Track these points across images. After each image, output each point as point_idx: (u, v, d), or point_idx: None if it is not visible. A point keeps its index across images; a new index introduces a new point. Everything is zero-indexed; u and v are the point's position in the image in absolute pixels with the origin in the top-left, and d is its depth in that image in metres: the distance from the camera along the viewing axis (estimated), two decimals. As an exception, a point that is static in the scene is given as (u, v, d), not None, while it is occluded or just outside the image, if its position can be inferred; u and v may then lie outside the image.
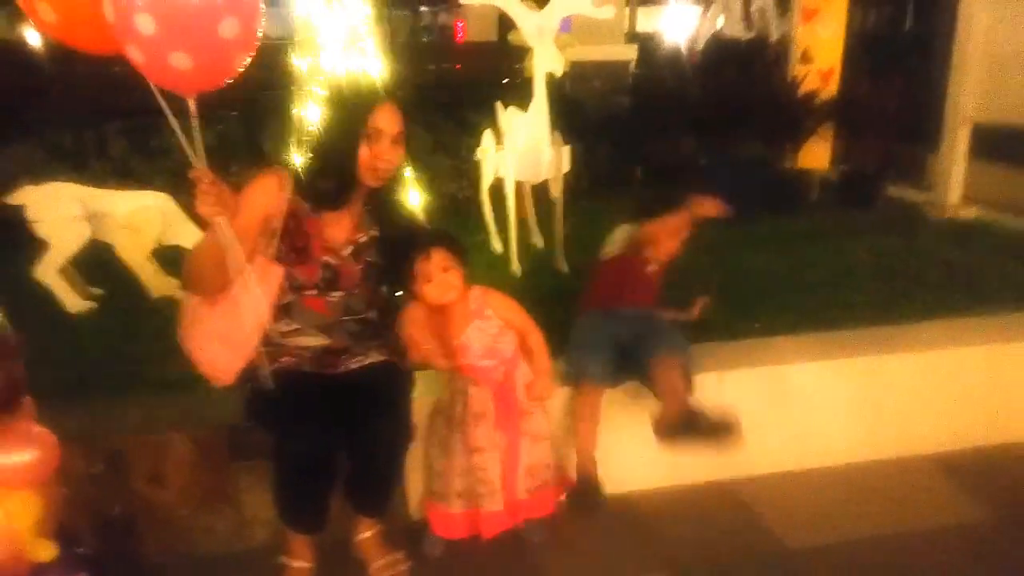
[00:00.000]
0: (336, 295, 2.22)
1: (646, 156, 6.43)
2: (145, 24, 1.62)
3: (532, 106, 3.95)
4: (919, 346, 3.01)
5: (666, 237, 2.74)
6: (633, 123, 6.43)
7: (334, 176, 2.13)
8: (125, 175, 5.01)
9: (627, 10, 9.99)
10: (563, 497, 2.58)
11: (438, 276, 2.25)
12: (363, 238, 2.26)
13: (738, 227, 3.10)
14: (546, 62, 3.87)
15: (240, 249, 1.96)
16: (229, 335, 2.13)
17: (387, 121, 2.12)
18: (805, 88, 6.24)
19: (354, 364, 2.24)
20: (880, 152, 6.10)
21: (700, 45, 7.35)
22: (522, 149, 4.01)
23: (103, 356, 3.06)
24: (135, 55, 1.70)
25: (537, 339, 2.44)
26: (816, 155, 6.32)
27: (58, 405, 2.04)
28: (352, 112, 2.09)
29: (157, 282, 3.67)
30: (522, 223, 4.35)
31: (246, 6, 1.75)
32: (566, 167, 4.19)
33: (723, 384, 2.75)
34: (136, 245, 3.65)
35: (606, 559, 2.47)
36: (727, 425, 2.44)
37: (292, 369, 2.17)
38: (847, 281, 3.95)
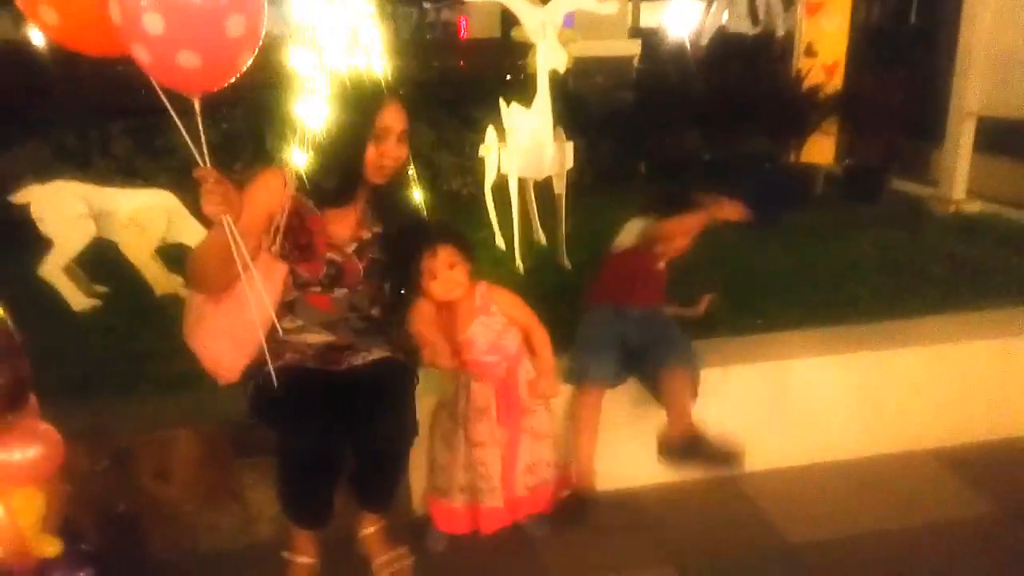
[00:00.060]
0: (340, 292, 2.23)
1: (649, 152, 6.43)
2: (153, 23, 1.63)
3: (535, 102, 3.95)
4: (923, 341, 3.01)
5: (681, 235, 2.72)
6: (636, 119, 6.42)
7: (340, 174, 2.14)
8: (129, 173, 5.03)
9: (630, 6, 9.96)
10: (556, 505, 2.56)
11: (444, 273, 2.26)
12: (367, 235, 2.27)
13: (755, 231, 3.06)
14: (549, 58, 3.86)
15: (244, 247, 1.97)
16: (233, 332, 2.14)
17: (394, 119, 2.13)
18: (809, 82, 6.22)
19: (358, 361, 2.24)
20: (884, 146, 6.09)
21: (705, 40, 7.32)
22: (525, 145, 4.01)
23: (108, 354, 3.08)
24: (142, 55, 1.71)
25: (541, 337, 2.44)
26: (820, 150, 6.31)
27: (63, 402, 2.06)
28: (360, 111, 2.10)
29: (161, 280, 3.69)
30: (525, 220, 4.35)
31: (252, 4, 1.76)
32: (569, 163, 4.19)
33: (727, 379, 2.75)
34: (140, 243, 3.67)
35: (608, 554, 2.47)
36: (729, 454, 2.49)
37: (296, 366, 2.18)
38: (851, 276, 3.94)
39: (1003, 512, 2.66)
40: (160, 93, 1.80)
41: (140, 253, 3.68)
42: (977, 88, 5.50)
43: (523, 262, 4.06)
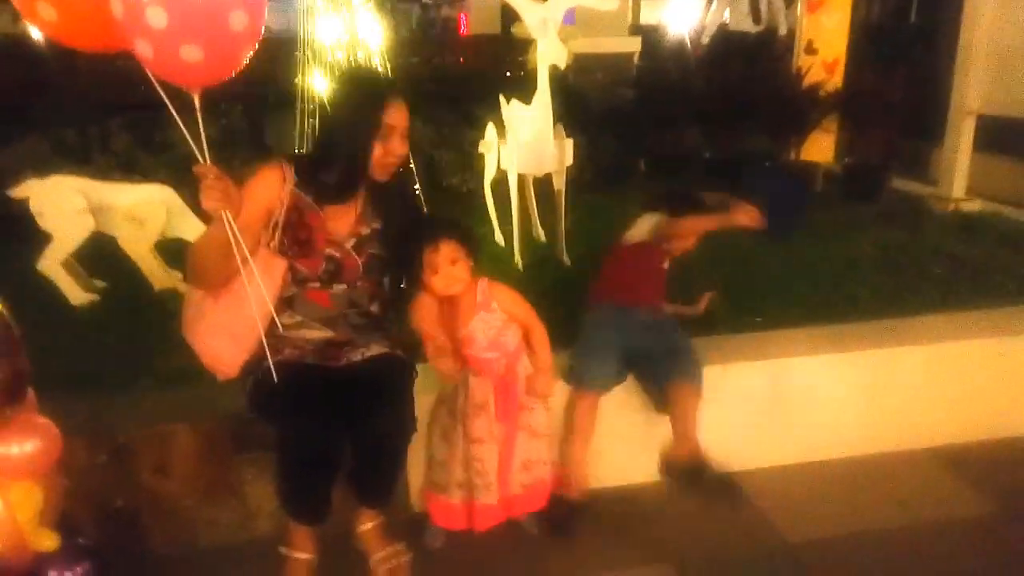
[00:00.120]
0: (339, 288, 2.23)
1: (649, 149, 6.43)
2: (157, 17, 1.63)
3: (535, 99, 3.94)
4: (923, 339, 3.00)
5: (693, 235, 2.71)
6: (636, 116, 6.42)
7: (347, 171, 2.14)
8: (128, 168, 5.02)
9: (630, 3, 9.96)
10: (547, 510, 2.55)
11: (445, 268, 2.25)
12: (365, 231, 2.27)
13: (769, 240, 3.02)
14: (549, 55, 3.86)
15: (243, 242, 1.97)
16: (232, 328, 2.14)
17: (398, 117, 2.14)
18: (810, 80, 6.22)
19: (357, 357, 2.24)
20: (884, 145, 6.08)
21: (707, 38, 7.31)
22: (525, 142, 4.00)
23: (106, 348, 3.07)
24: (144, 50, 1.70)
25: (540, 334, 2.44)
26: (820, 148, 6.31)
27: (62, 397, 2.05)
28: (369, 110, 2.11)
29: (160, 275, 3.68)
30: (525, 216, 4.34)
31: (253, -1, 1.76)
32: (569, 160, 4.19)
33: (726, 377, 2.74)
34: (139, 238, 3.66)
35: (607, 551, 2.47)
36: (730, 491, 2.53)
37: (295, 361, 2.18)
38: (851, 274, 3.94)
39: (1003, 511, 2.66)
40: (159, 89, 1.79)
41: (139, 248, 3.67)
42: (977, 86, 5.49)
43: (522, 259, 4.06)
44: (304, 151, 2.24)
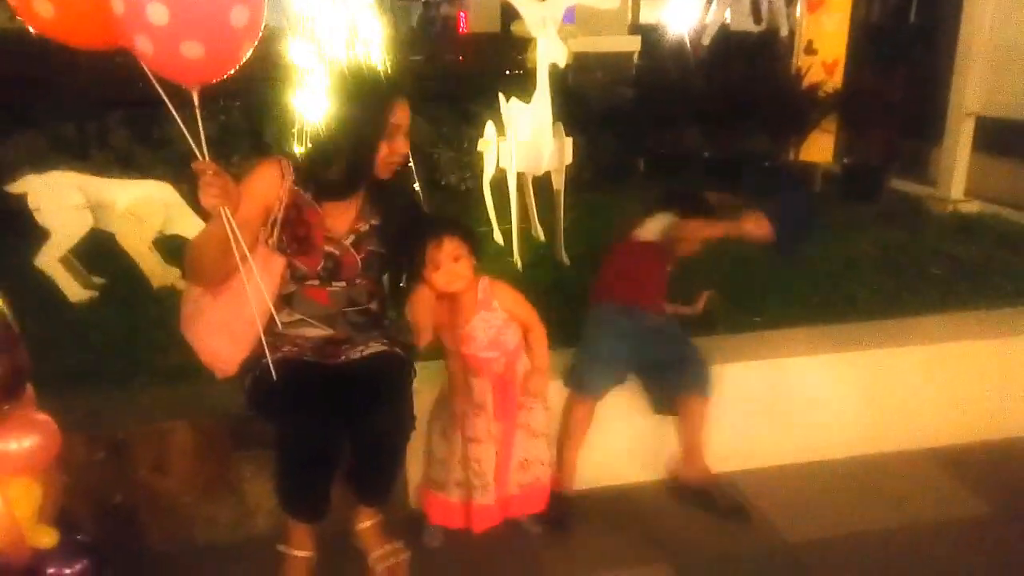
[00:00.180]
0: (338, 285, 2.22)
1: (649, 148, 6.43)
2: (158, 14, 1.62)
3: (535, 97, 3.94)
4: (922, 340, 3.01)
5: (700, 240, 2.69)
6: (636, 115, 6.42)
7: (353, 170, 2.14)
8: (127, 164, 5.01)
9: (630, 1, 9.95)
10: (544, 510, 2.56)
11: (448, 265, 2.25)
12: (364, 228, 2.26)
13: (777, 254, 3.02)
14: (549, 53, 3.86)
15: (242, 239, 1.96)
16: (231, 325, 2.14)
17: (402, 116, 2.15)
18: (809, 80, 6.22)
19: (355, 354, 2.24)
20: (883, 145, 6.09)
21: (708, 39, 7.29)
22: (524, 141, 4.00)
23: (105, 345, 3.07)
24: (144, 46, 1.70)
25: (539, 334, 2.43)
26: (819, 148, 6.31)
27: (60, 394, 2.05)
28: (376, 111, 2.11)
29: (158, 272, 3.68)
30: (524, 215, 4.34)
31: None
32: (568, 159, 4.19)
33: (725, 377, 2.74)
34: (138, 234, 3.66)
35: (606, 551, 2.47)
36: (739, 512, 2.57)
37: (293, 359, 2.17)
38: (850, 274, 3.94)
39: (1001, 512, 2.66)
40: (157, 86, 1.79)
41: (137, 244, 3.67)
42: (976, 87, 5.50)
43: (521, 258, 4.06)
44: (303, 148, 2.23)
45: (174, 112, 1.81)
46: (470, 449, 2.36)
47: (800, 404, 2.89)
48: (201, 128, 1.83)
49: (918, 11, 7.73)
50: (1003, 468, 2.91)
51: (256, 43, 1.85)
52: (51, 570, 1.82)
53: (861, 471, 2.88)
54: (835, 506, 2.70)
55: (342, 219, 2.23)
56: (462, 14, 12.81)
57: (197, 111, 1.82)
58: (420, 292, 2.31)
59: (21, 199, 3.48)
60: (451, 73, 6.97)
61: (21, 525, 1.77)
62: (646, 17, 11.74)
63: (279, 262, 2.15)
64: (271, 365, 2.08)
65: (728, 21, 7.75)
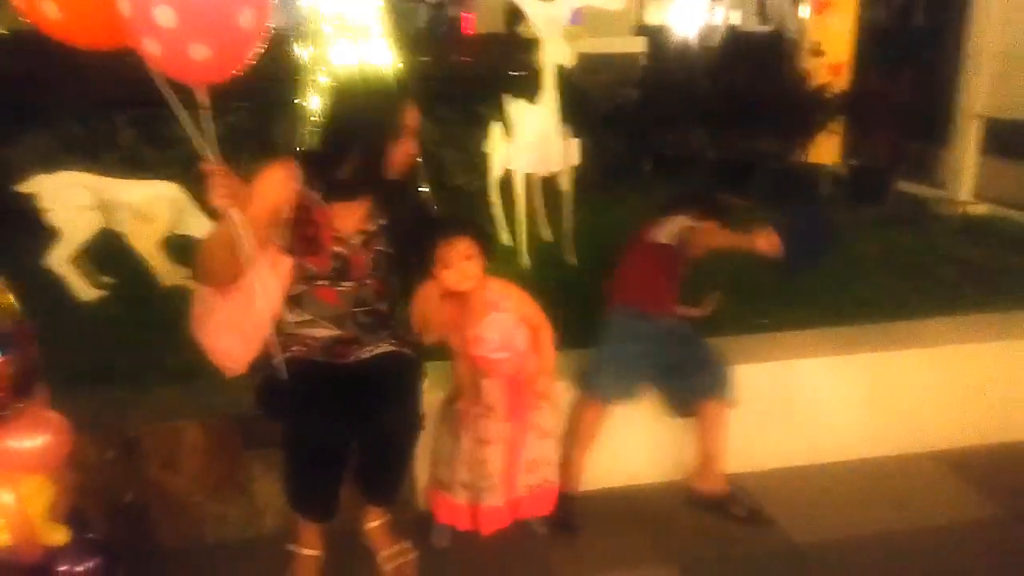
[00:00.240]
0: (347, 285, 2.23)
1: (655, 149, 6.43)
2: (165, 16, 1.63)
3: (541, 98, 3.94)
4: (929, 342, 3.01)
5: (709, 248, 2.68)
6: (642, 116, 6.42)
7: (364, 171, 2.16)
8: (136, 165, 5.03)
9: (636, 3, 9.95)
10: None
11: (459, 264, 2.26)
12: (372, 228, 2.27)
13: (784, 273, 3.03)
14: (555, 54, 3.86)
15: (252, 240, 1.97)
16: (241, 325, 2.14)
17: (412, 117, 2.18)
18: (816, 82, 6.22)
19: (364, 354, 2.25)
20: (890, 147, 6.08)
21: (716, 39, 7.30)
22: (531, 142, 4.01)
23: (115, 345, 3.08)
24: (152, 48, 1.70)
25: (547, 335, 2.44)
26: (826, 150, 6.30)
27: (71, 393, 2.06)
28: (389, 112, 2.14)
29: (168, 271, 3.69)
30: (530, 216, 4.34)
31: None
32: (575, 160, 4.19)
33: (732, 379, 2.74)
34: (147, 234, 3.67)
35: (612, 551, 2.48)
36: (757, 519, 2.58)
37: (303, 358, 2.18)
38: (857, 276, 3.93)
39: (1007, 515, 2.66)
40: (164, 87, 1.80)
41: (147, 244, 3.68)
42: (984, 89, 5.49)
43: (528, 259, 4.06)
44: (314, 148, 2.24)
45: (183, 113, 1.82)
46: (480, 451, 2.37)
47: (806, 406, 2.89)
48: (209, 129, 1.84)
49: (925, 13, 7.71)
50: (1010, 471, 2.91)
51: (263, 44, 1.85)
52: (62, 567, 1.84)
53: (867, 473, 2.88)
54: (841, 508, 2.70)
55: (351, 219, 2.24)
56: (469, 16, 12.82)
57: (205, 112, 1.83)
58: (426, 288, 2.32)
59: (31, 199, 3.49)
60: (458, 74, 6.97)
61: (33, 523, 1.78)
62: (652, 18, 11.74)
63: (288, 262, 2.17)
64: (281, 364, 2.09)
65: (735, 22, 7.76)
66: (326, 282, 2.21)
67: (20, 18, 1.83)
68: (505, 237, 4.37)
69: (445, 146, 5.58)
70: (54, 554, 1.83)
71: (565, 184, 4.20)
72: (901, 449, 2.98)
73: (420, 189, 2.38)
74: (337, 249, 2.20)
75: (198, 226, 3.65)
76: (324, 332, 2.23)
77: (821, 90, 6.16)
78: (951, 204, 5.56)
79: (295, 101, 3.73)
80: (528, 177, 4.21)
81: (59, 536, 1.84)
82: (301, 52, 3.51)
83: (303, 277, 2.20)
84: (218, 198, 1.88)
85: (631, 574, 2.39)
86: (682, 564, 2.41)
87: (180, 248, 3.69)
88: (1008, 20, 5.53)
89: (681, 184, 5.47)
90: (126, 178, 3.87)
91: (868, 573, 2.41)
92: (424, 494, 2.60)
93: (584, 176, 4.56)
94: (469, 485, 2.41)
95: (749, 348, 2.93)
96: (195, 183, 2.21)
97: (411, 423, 2.21)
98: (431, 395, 2.38)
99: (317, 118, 2.19)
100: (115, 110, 5.38)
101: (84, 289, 3.56)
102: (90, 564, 1.86)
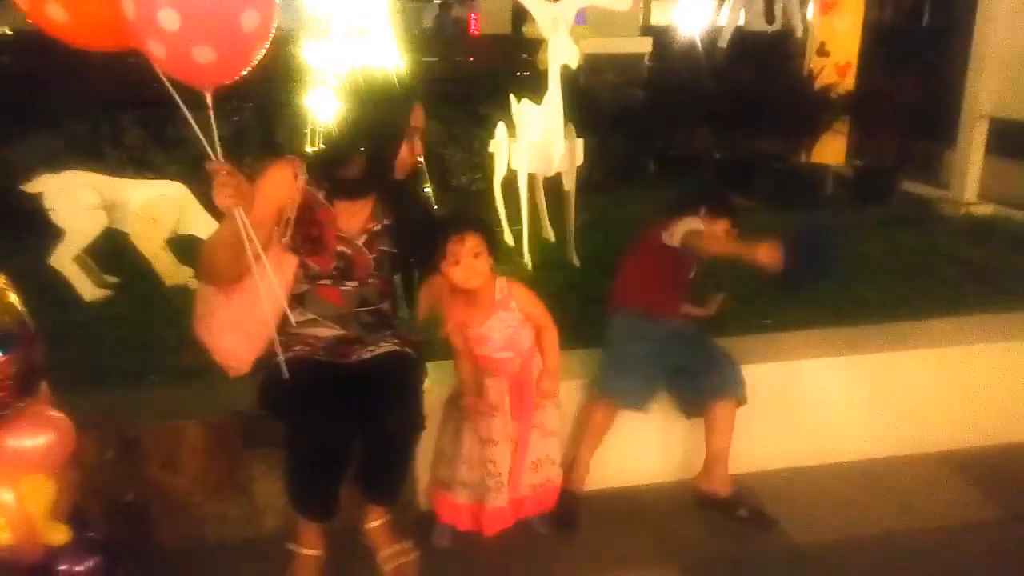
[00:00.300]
0: (350, 284, 2.23)
1: (660, 150, 6.42)
2: (169, 19, 1.63)
3: (546, 98, 3.94)
4: (932, 343, 3.00)
5: (714, 253, 2.67)
6: (647, 116, 6.41)
7: (373, 171, 2.16)
8: (141, 164, 5.05)
9: (642, 3, 9.95)
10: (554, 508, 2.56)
11: (468, 260, 2.26)
12: (376, 227, 2.27)
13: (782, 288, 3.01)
14: (561, 54, 3.86)
15: (256, 239, 1.98)
16: (244, 324, 2.15)
17: (419, 117, 2.19)
18: (821, 82, 6.20)
19: (367, 354, 2.25)
20: (896, 147, 6.06)
21: (725, 40, 7.26)
22: (536, 142, 4.00)
23: (118, 344, 3.09)
24: (156, 50, 1.71)
25: (551, 336, 2.44)
26: (831, 150, 6.28)
27: (73, 391, 2.06)
28: (398, 113, 2.15)
29: (171, 271, 3.70)
30: (534, 216, 4.35)
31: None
32: (579, 160, 4.19)
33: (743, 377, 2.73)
34: (151, 234, 3.68)
35: (613, 551, 2.47)
36: (763, 521, 2.56)
37: (305, 358, 2.18)
38: (861, 277, 3.92)
39: (1010, 516, 2.65)
40: (171, 88, 1.80)
41: (151, 244, 3.69)
42: (990, 89, 5.47)
43: (532, 258, 4.06)
44: (320, 148, 2.24)
45: (188, 113, 1.82)
46: (486, 450, 2.36)
47: (809, 406, 2.88)
48: (214, 129, 1.84)
49: (931, 13, 7.69)
50: (1013, 472, 2.89)
51: (268, 45, 1.86)
52: (63, 567, 1.84)
53: (870, 474, 2.87)
54: (845, 508, 2.69)
55: (355, 219, 2.25)
56: (473, 15, 12.84)
57: (209, 112, 1.83)
58: (433, 281, 2.32)
59: (36, 199, 3.51)
60: (463, 74, 6.98)
61: (34, 521, 1.79)
62: (657, 18, 11.74)
63: (292, 261, 2.17)
64: (283, 364, 2.09)
65: (742, 22, 7.74)
66: (329, 282, 2.21)
67: (26, 17, 1.84)
68: (508, 237, 4.37)
69: (450, 146, 5.59)
70: (54, 553, 1.83)
71: (569, 184, 4.20)
72: (904, 449, 2.97)
73: (424, 189, 2.37)
74: (341, 249, 2.20)
75: (203, 226, 3.67)
76: (327, 331, 2.23)
77: (826, 90, 6.14)
78: (956, 204, 5.54)
79: (300, 101, 3.74)
80: (532, 177, 4.21)
81: (60, 535, 1.84)
82: (307, 52, 3.52)
83: (306, 276, 2.20)
84: (222, 197, 1.88)
85: (632, 574, 2.39)
86: (682, 564, 2.41)
87: (185, 248, 3.70)
88: (1014, 21, 5.51)
89: (686, 184, 5.47)
90: (131, 178, 3.89)
91: (869, 573, 2.40)
92: (425, 494, 2.60)
93: (588, 176, 4.57)
94: (471, 485, 2.41)
95: (752, 348, 2.92)
96: (200, 183, 2.22)
97: (413, 423, 2.21)
98: (432, 395, 2.38)
99: (326, 118, 2.19)
100: (119, 110, 5.40)
101: (88, 288, 3.57)
102: (90, 563, 1.86)
